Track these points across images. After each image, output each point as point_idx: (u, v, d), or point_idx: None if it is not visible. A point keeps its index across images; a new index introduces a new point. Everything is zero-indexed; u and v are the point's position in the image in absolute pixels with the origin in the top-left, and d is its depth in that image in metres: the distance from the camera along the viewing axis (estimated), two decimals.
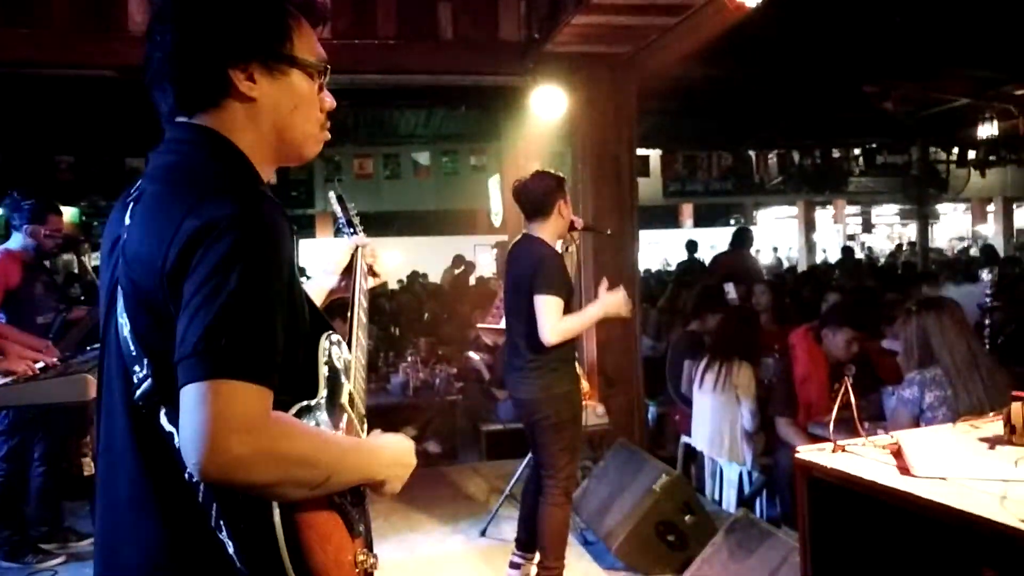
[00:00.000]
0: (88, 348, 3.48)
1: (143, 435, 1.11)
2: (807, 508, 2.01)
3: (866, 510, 1.83)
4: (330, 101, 1.29)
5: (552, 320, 3.25)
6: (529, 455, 3.91)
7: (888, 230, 21.01)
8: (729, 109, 9.42)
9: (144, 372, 1.10)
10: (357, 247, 1.71)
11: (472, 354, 6.48)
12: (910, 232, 19.35)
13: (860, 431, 2.08)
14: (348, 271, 1.71)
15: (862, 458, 1.95)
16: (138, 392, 1.10)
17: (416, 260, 12.89)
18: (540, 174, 3.54)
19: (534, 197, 3.47)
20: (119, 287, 1.15)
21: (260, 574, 1.06)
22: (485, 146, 8.96)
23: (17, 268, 3.88)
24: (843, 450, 2.00)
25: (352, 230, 1.72)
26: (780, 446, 4.15)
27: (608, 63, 5.15)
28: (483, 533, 4.29)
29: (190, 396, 0.99)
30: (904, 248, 16.96)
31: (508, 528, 4.13)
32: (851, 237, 19.05)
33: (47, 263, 4.23)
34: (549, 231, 3.46)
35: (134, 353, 1.11)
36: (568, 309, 3.38)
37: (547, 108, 5.28)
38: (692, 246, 10.84)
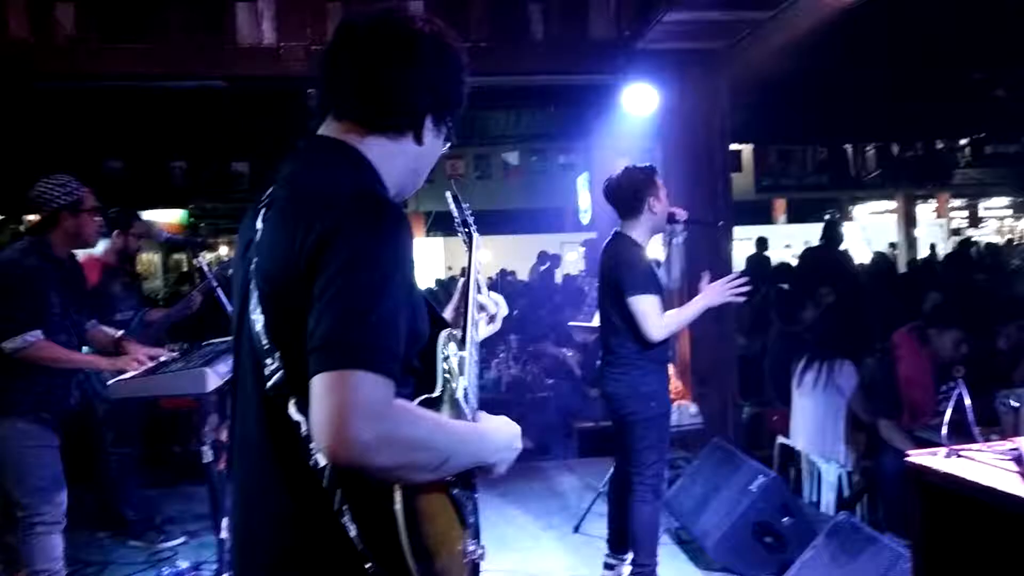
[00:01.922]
0: (204, 343, 3.68)
1: (274, 423, 1.19)
2: (919, 514, 1.95)
3: (983, 518, 1.78)
4: None
5: (654, 319, 3.23)
6: None
7: (998, 224, 19.84)
8: (825, 101, 9.11)
9: (275, 364, 1.18)
10: (472, 249, 1.75)
11: (564, 351, 6.52)
12: None
13: (975, 435, 2.02)
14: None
15: (979, 464, 1.88)
16: (269, 383, 1.18)
17: (505, 258, 13.01)
18: (628, 170, 3.48)
19: (624, 196, 3.43)
20: (252, 285, 1.24)
21: (380, 557, 1.12)
22: (574, 144, 8.98)
23: (97, 270, 4.23)
24: (958, 455, 1.94)
25: (467, 229, 1.78)
26: (883, 449, 4.02)
27: (700, 59, 5.10)
28: (576, 529, 4.32)
29: (320, 385, 1.07)
30: (1016, 243, 15.99)
31: (601, 525, 4.14)
32: (956, 232, 18.08)
33: (127, 266, 4.55)
34: (641, 228, 3.42)
35: (266, 346, 1.19)
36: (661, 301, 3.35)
37: (637, 105, 5.26)
38: (762, 243, 10.63)
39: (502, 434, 1.33)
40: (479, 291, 1.66)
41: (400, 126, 1.32)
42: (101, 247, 4.29)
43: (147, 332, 4.25)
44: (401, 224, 1.18)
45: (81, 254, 4.22)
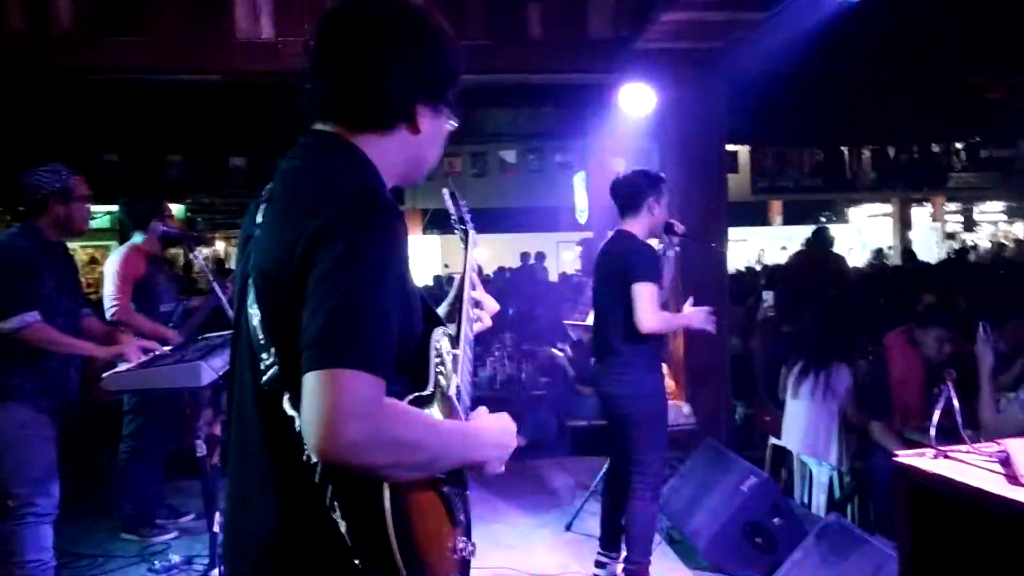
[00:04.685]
0: (200, 337, 3.69)
1: (268, 418, 1.20)
2: (906, 514, 1.97)
3: (970, 519, 1.79)
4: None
5: (650, 307, 3.27)
6: None
7: (992, 228, 19.92)
8: (821, 103, 9.15)
9: (270, 360, 1.18)
10: (468, 246, 1.75)
11: (555, 351, 6.53)
12: (1018, 230, 18.33)
13: (963, 437, 2.03)
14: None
15: (966, 465, 1.90)
16: (264, 378, 1.19)
17: (501, 257, 13.02)
18: (635, 171, 3.60)
19: (623, 192, 3.54)
20: (250, 280, 1.24)
21: (368, 553, 1.12)
22: (570, 143, 9.00)
23: (143, 260, 4.21)
24: (946, 456, 1.95)
25: (463, 226, 1.77)
26: (874, 451, 4.05)
27: (697, 59, 5.11)
28: (568, 527, 4.34)
29: (311, 383, 1.07)
30: (1011, 247, 16.02)
31: (593, 523, 4.15)
32: (951, 236, 18.15)
33: (166, 254, 4.52)
34: (639, 227, 3.49)
35: (262, 341, 1.20)
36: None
37: (634, 105, 5.28)
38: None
39: (492, 432, 1.32)
40: (474, 288, 1.66)
41: (388, 123, 1.30)
42: (139, 238, 4.26)
43: (189, 323, 4.24)
44: (395, 221, 1.18)
45: (124, 247, 4.23)
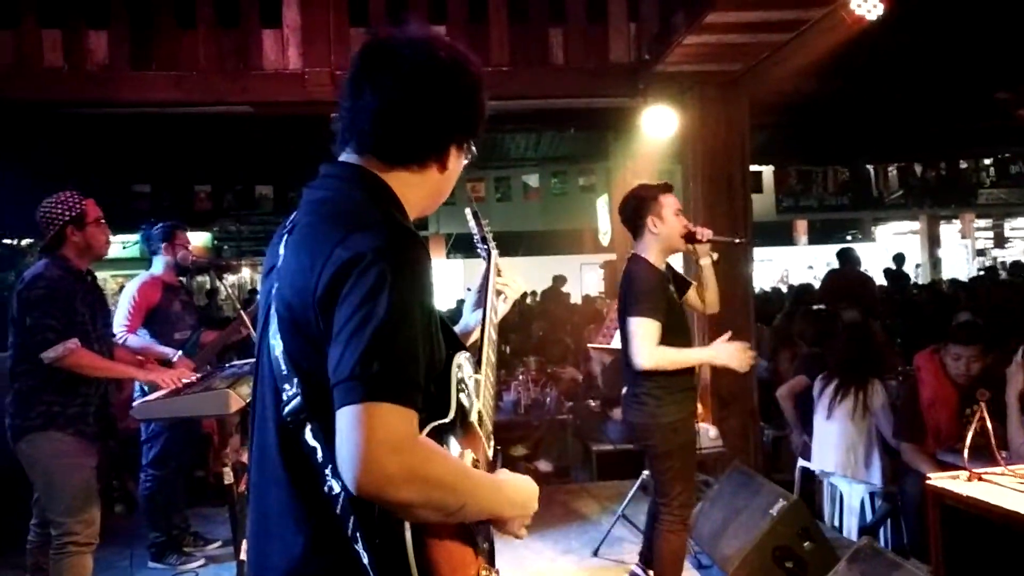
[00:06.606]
0: (228, 365, 3.73)
1: (290, 448, 1.20)
2: (940, 539, 1.93)
3: (1005, 542, 1.76)
4: None
5: (646, 344, 3.05)
6: (643, 475, 3.88)
7: None
8: (846, 122, 9.10)
9: (293, 390, 1.19)
10: (490, 266, 1.75)
11: (579, 375, 6.51)
12: None
13: (998, 459, 1.99)
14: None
15: (1001, 487, 1.86)
16: (286, 409, 1.19)
17: (525, 280, 13.01)
18: (633, 189, 3.39)
19: (626, 215, 3.34)
20: (273, 311, 1.25)
21: None
22: (593, 166, 9.04)
23: (158, 289, 4.27)
24: (980, 478, 1.92)
25: (486, 246, 1.78)
26: (906, 473, 3.97)
27: (720, 81, 5.11)
28: (595, 553, 4.29)
29: (346, 418, 1.08)
30: None
31: (620, 549, 4.12)
32: (981, 252, 17.88)
33: (183, 281, 4.56)
34: (651, 249, 3.25)
35: (285, 372, 1.21)
36: (674, 326, 3.20)
37: (657, 127, 5.28)
38: (900, 259, 10.88)
39: (520, 491, 1.31)
40: (499, 274, 1.69)
41: (422, 160, 1.32)
42: (160, 266, 4.33)
43: (201, 354, 4.26)
44: (421, 254, 1.19)
45: (141, 276, 4.32)
